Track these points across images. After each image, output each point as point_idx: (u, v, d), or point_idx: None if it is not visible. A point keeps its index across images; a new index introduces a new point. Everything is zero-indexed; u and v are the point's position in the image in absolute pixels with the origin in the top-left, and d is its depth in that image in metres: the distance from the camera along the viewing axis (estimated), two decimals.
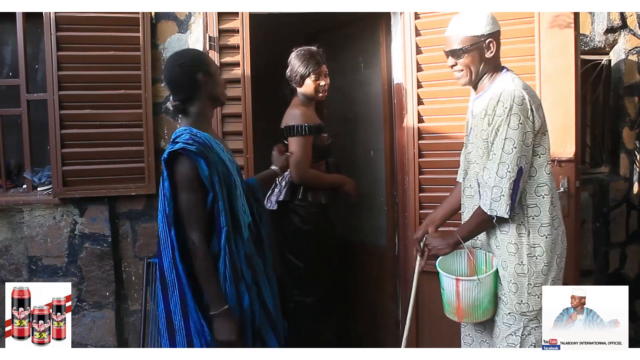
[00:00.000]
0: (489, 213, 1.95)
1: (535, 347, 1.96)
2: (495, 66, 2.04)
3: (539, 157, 1.96)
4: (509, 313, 2.00)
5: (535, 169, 1.96)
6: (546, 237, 1.96)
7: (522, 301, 1.97)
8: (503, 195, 1.91)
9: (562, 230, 2.03)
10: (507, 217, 1.93)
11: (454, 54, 2.01)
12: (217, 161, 1.97)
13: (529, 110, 1.90)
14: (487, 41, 1.98)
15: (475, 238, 2.13)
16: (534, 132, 1.92)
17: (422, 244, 2.15)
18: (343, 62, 3.51)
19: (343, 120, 3.55)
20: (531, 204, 1.97)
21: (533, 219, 1.97)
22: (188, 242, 1.91)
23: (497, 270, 2.03)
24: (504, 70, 2.05)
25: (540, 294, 1.93)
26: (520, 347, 1.98)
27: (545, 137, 1.97)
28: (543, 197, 1.96)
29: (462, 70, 2.02)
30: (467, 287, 2.00)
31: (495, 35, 2.00)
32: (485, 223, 2.00)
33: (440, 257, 2.10)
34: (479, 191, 2.01)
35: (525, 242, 1.97)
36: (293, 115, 2.82)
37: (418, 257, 2.20)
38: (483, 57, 1.99)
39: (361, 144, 3.42)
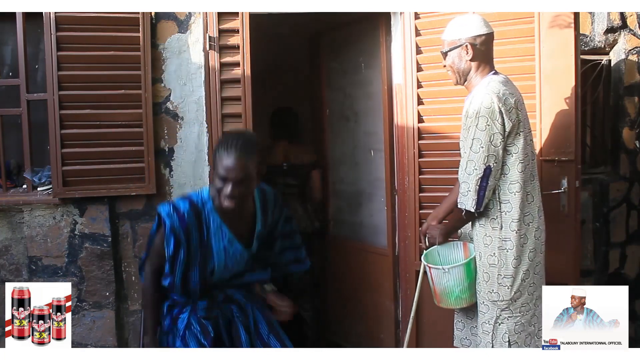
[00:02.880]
0: (458, 206, 2.10)
1: (508, 336, 2.07)
2: (482, 68, 2.13)
3: (512, 156, 2.06)
4: (482, 302, 2.13)
5: (508, 167, 2.07)
6: (516, 232, 2.07)
7: (492, 290, 2.09)
8: (470, 191, 2.04)
9: (536, 227, 2.11)
10: (474, 211, 2.06)
11: (442, 55, 2.18)
12: (191, 238, 1.97)
13: (498, 113, 2.01)
14: (463, 45, 2.10)
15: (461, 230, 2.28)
16: (504, 134, 2.02)
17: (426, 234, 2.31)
18: (343, 63, 3.50)
19: (343, 120, 3.55)
20: (504, 200, 2.09)
21: (505, 214, 2.08)
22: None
23: (470, 263, 2.15)
24: (492, 72, 2.14)
25: (510, 285, 2.08)
26: (493, 335, 2.09)
27: (519, 137, 2.06)
28: (514, 194, 2.07)
29: (449, 71, 2.19)
30: (436, 275, 2.18)
31: (474, 40, 2.10)
32: (461, 217, 2.13)
33: (436, 247, 2.25)
34: None
35: (497, 235, 2.09)
36: None
37: (423, 260, 2.30)
38: (463, 59, 2.12)
39: (361, 144, 3.42)
